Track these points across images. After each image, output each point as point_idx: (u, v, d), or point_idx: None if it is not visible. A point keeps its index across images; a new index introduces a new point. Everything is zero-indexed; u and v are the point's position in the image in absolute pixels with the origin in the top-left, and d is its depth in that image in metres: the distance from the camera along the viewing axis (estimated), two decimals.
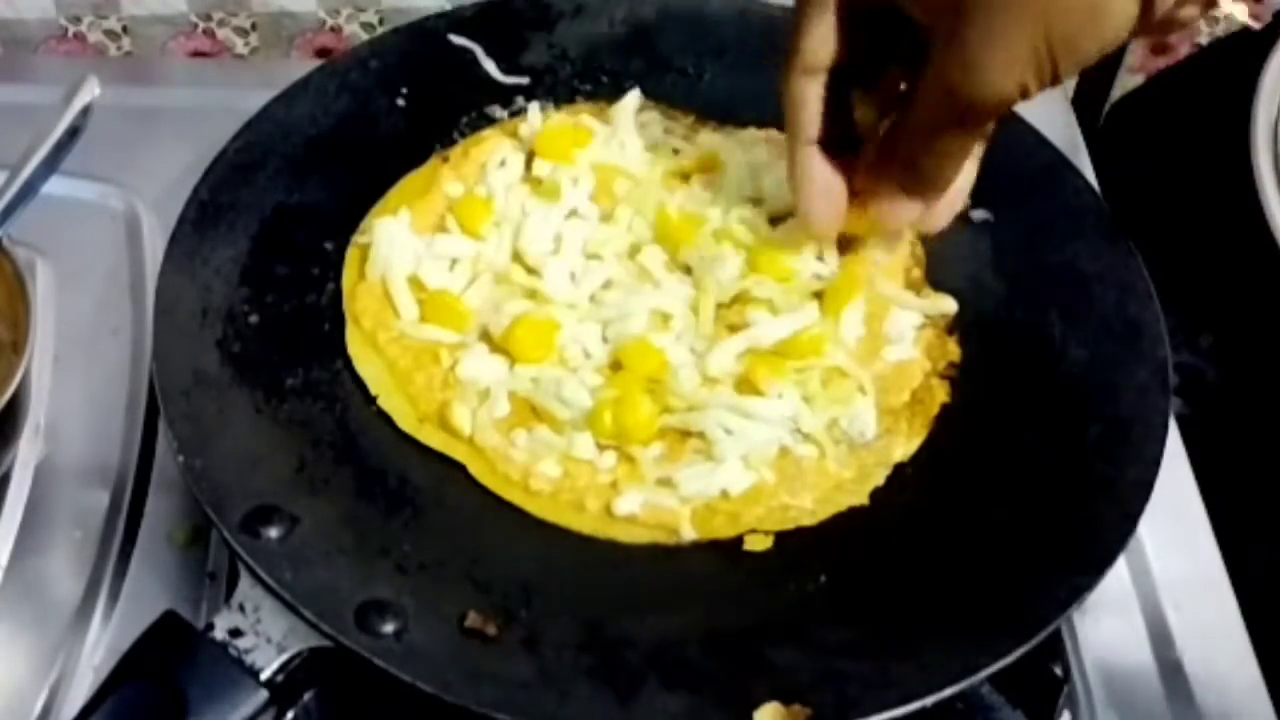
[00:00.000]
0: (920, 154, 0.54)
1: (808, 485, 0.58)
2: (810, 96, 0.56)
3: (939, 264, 0.67)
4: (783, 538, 0.57)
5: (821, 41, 0.54)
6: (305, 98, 0.71)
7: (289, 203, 0.67)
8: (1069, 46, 0.46)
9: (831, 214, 0.58)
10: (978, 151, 0.56)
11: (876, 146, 0.57)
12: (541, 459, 0.58)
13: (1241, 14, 0.43)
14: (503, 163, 0.68)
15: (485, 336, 0.62)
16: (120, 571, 0.61)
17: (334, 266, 0.65)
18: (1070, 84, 0.89)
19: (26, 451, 0.64)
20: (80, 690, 0.57)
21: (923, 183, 0.55)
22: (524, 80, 0.73)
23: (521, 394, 0.60)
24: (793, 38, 0.55)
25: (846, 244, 0.64)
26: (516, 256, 0.64)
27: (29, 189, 0.65)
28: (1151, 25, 0.45)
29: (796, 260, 0.64)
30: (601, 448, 0.59)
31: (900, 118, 0.54)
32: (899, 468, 0.60)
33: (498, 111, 0.72)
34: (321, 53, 0.87)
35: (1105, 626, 0.61)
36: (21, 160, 0.65)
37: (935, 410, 0.61)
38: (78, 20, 0.85)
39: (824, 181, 0.57)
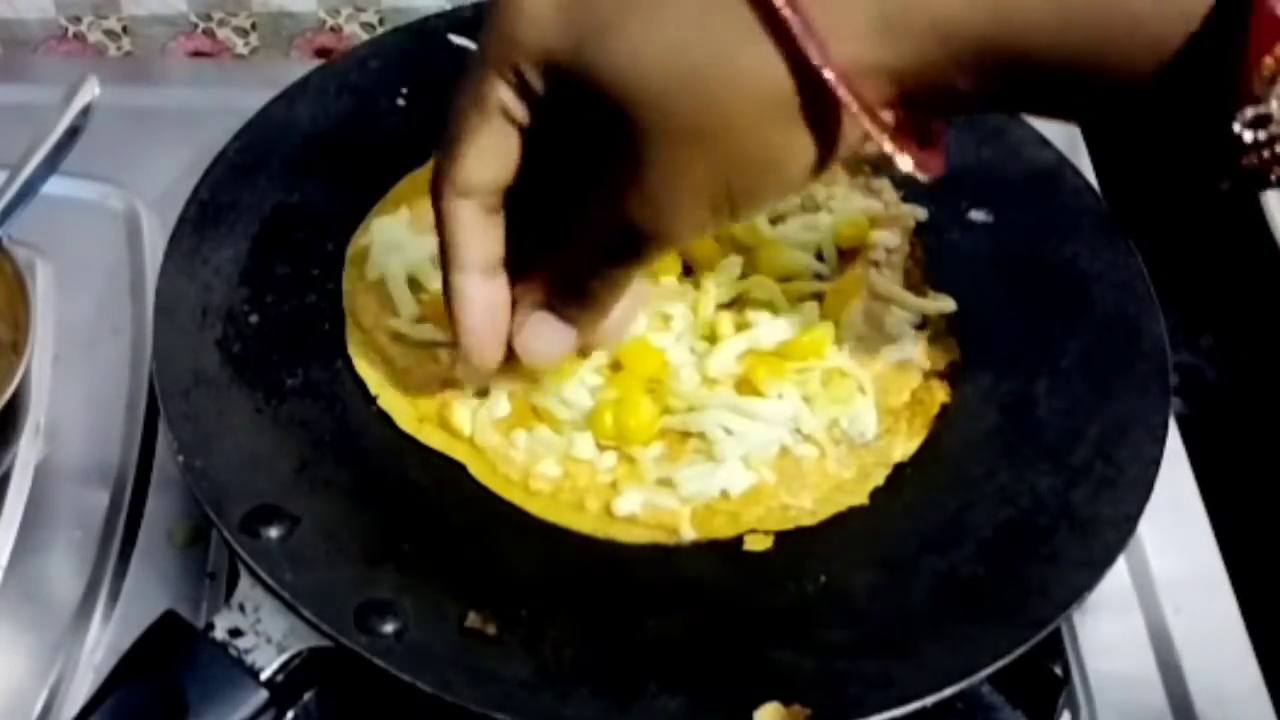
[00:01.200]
0: (586, 279, 0.50)
1: (808, 485, 0.58)
2: (464, 218, 0.49)
3: (939, 264, 0.67)
4: (783, 538, 0.57)
5: (481, 163, 0.48)
6: (305, 98, 0.71)
7: (289, 203, 0.67)
8: (747, 195, 0.45)
9: (492, 344, 0.52)
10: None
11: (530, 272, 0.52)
12: (541, 459, 0.58)
13: (906, 165, 0.44)
14: None
15: None
16: (120, 571, 0.61)
17: (334, 266, 0.65)
18: None
19: (26, 451, 0.64)
20: (80, 690, 0.57)
21: (584, 308, 0.51)
22: None
23: (521, 394, 0.60)
24: (446, 150, 0.48)
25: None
26: None
27: (29, 189, 0.65)
28: (831, 167, 0.45)
29: (796, 260, 0.64)
30: (601, 448, 0.59)
31: (567, 240, 0.50)
32: (899, 468, 0.60)
33: None
34: (321, 53, 0.87)
35: (1105, 626, 0.61)
36: (21, 160, 0.65)
37: (935, 410, 0.61)
38: (78, 20, 0.85)
39: (484, 307, 0.51)
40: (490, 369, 0.53)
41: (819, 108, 0.42)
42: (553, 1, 0.44)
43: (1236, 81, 0.38)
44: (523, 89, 0.45)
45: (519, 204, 0.50)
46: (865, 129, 0.42)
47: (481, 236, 0.50)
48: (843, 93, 0.41)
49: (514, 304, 0.52)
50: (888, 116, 0.43)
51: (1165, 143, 0.43)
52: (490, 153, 0.47)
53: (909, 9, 0.40)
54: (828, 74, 0.40)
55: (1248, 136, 0.39)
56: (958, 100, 0.43)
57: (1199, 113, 0.40)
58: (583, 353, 0.57)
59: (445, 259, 0.50)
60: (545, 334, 0.52)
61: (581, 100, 0.44)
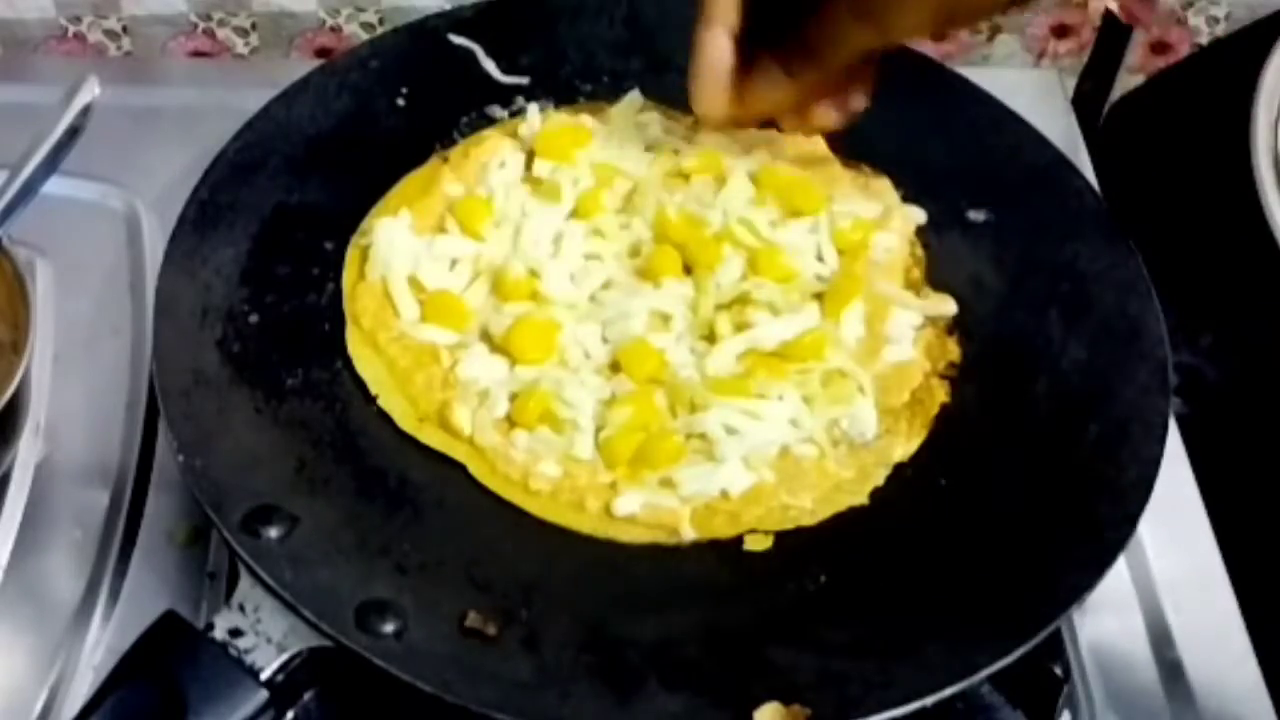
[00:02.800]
0: (814, 38, 0.57)
1: (808, 485, 0.58)
2: None
3: (939, 264, 0.67)
4: (783, 538, 0.57)
5: None
6: (305, 98, 0.71)
7: (289, 203, 0.67)
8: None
9: (715, 91, 0.60)
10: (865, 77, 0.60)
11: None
12: (541, 459, 0.58)
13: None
14: (503, 163, 0.68)
15: (485, 336, 0.62)
16: (120, 571, 0.61)
17: (334, 266, 0.65)
18: (1070, 84, 0.89)
19: (26, 451, 0.64)
20: (80, 690, 0.57)
21: (807, 60, 0.58)
22: (524, 80, 0.73)
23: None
24: None
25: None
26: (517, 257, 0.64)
27: (29, 189, 0.65)
28: None
29: (796, 261, 0.64)
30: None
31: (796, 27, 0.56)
32: (899, 468, 0.60)
33: (498, 111, 0.72)
34: (321, 53, 0.87)
35: (1105, 626, 0.61)
36: (21, 160, 0.65)
37: (935, 410, 0.61)
38: (78, 20, 0.85)
39: (714, 61, 0.59)
40: (713, 117, 0.62)
41: None
42: None
43: None
44: None
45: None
46: None
47: (728, 2, 0.58)
48: None
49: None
50: None
51: None
52: None
53: None
54: None
55: None
56: None
57: None
58: (805, 121, 0.63)
59: (696, 20, 0.59)
60: (768, 80, 0.60)
61: None
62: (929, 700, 0.50)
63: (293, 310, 0.63)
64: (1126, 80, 0.92)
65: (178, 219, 0.64)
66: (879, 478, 0.59)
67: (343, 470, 0.58)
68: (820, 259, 0.65)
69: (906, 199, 0.69)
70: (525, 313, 0.62)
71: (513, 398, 0.60)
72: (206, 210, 0.65)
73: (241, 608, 0.52)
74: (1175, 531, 0.64)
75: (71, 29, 0.86)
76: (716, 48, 0.59)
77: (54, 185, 0.67)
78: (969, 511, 0.58)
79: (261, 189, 0.67)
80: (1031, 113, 0.73)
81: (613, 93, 0.72)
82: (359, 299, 0.63)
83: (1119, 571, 0.61)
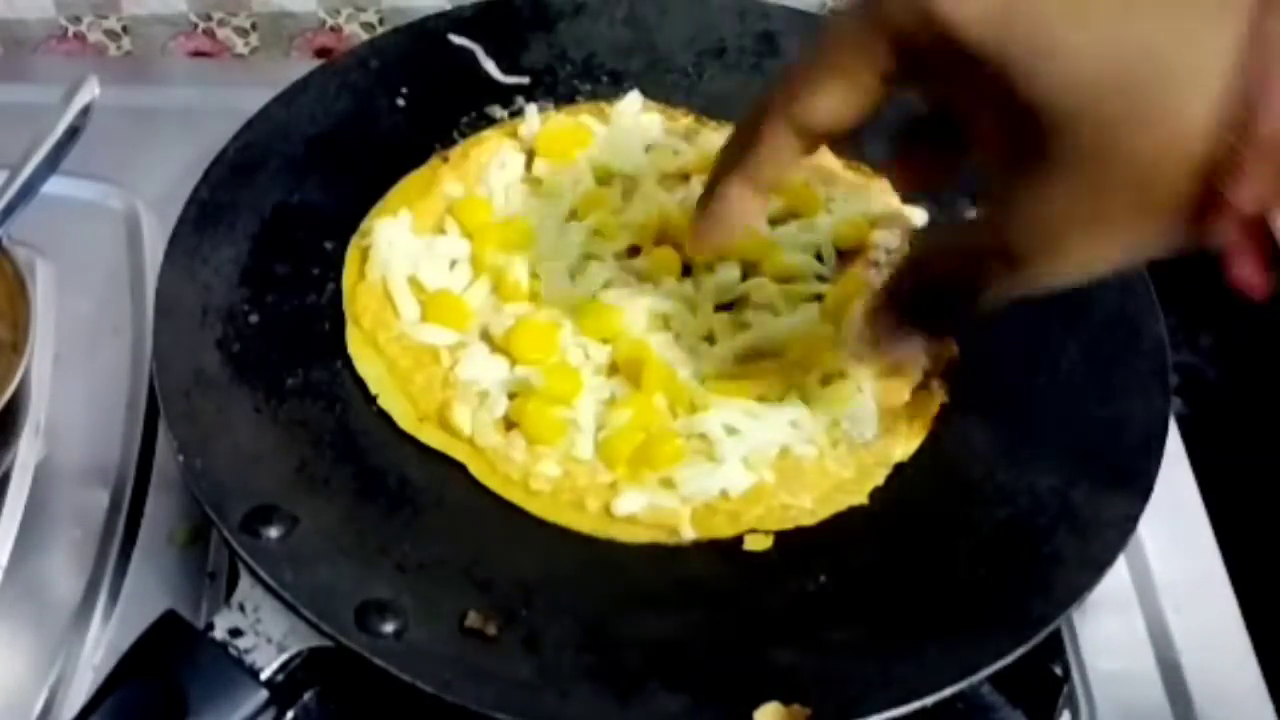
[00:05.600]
0: (953, 297, 0.47)
1: (807, 485, 0.58)
2: (778, 145, 0.47)
3: None
4: (783, 538, 0.57)
5: (827, 110, 0.45)
6: (305, 98, 0.71)
7: (289, 203, 0.67)
8: (1159, 233, 0.40)
9: (716, 241, 0.52)
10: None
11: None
12: (541, 459, 0.58)
13: (1240, 277, 0.40)
14: (503, 163, 0.68)
15: (485, 336, 0.62)
16: (120, 571, 0.61)
17: (334, 266, 0.65)
18: None
19: (26, 451, 0.64)
20: (80, 690, 0.57)
21: (944, 323, 0.49)
22: (524, 80, 0.73)
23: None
24: (798, 78, 0.45)
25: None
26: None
27: (29, 189, 0.65)
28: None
29: (796, 262, 0.64)
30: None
31: (934, 244, 0.48)
32: (899, 468, 0.60)
33: (498, 111, 0.72)
34: (321, 53, 0.87)
35: (1105, 626, 0.61)
36: (21, 160, 0.65)
37: (935, 410, 0.61)
38: (78, 20, 0.85)
39: (737, 213, 0.50)
40: (699, 255, 0.60)
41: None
42: None
43: None
44: (910, 58, 0.41)
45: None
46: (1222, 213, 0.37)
47: (780, 165, 0.48)
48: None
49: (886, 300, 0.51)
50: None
51: None
52: (840, 103, 0.44)
53: None
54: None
55: None
56: None
57: None
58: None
59: (729, 164, 0.48)
60: (897, 339, 0.53)
61: (980, 94, 0.39)
62: (929, 700, 0.50)
63: (293, 310, 0.63)
64: None
65: (178, 219, 0.64)
66: (879, 478, 0.59)
67: (343, 470, 0.58)
68: (820, 259, 0.65)
69: (906, 200, 0.69)
70: (525, 313, 0.62)
71: (512, 397, 0.60)
72: (206, 210, 0.65)
73: (241, 608, 0.51)
74: (1175, 531, 0.64)
75: (71, 29, 0.86)
76: (740, 206, 0.50)
77: (54, 185, 0.67)
78: (969, 511, 0.58)
79: (261, 189, 0.67)
80: None
81: (613, 93, 0.72)
82: (359, 299, 0.63)
83: (1119, 571, 0.61)
